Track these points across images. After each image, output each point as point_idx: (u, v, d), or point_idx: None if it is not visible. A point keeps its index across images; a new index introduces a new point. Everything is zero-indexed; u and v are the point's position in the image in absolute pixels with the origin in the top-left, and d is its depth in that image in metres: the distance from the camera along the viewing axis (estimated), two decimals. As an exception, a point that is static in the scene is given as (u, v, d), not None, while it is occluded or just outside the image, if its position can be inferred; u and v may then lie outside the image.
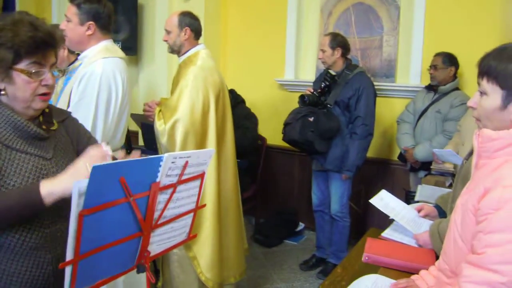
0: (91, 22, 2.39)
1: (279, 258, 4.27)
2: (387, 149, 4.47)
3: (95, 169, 1.12)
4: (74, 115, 2.15)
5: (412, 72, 4.21)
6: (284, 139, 3.75)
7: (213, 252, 2.85)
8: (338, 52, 3.73)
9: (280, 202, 4.96)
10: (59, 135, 1.56)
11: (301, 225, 4.80)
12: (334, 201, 3.87)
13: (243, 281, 3.61)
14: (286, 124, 3.73)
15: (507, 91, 1.28)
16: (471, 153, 1.81)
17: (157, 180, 1.33)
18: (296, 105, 3.79)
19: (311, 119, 3.62)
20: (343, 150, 3.69)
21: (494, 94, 1.30)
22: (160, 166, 1.32)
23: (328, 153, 3.70)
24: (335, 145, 3.70)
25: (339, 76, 3.71)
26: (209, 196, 2.84)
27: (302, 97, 3.66)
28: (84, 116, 2.26)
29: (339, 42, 3.73)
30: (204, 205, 1.69)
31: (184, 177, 1.42)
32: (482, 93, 1.34)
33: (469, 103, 1.39)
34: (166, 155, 1.31)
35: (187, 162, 1.40)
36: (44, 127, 1.49)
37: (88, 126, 2.26)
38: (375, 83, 3.89)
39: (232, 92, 4.36)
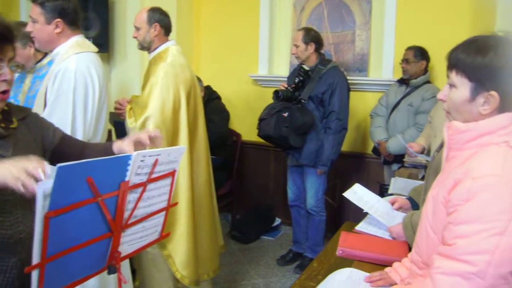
0: (58, 20, 2.31)
1: (256, 254, 4.26)
2: (361, 142, 4.48)
3: (61, 169, 1.08)
4: (51, 113, 2.18)
5: (385, 66, 4.25)
6: (259, 135, 3.74)
7: (188, 249, 2.83)
8: (311, 47, 3.73)
9: (256, 197, 4.94)
10: (20, 133, 1.52)
11: (278, 220, 4.79)
12: (310, 196, 3.87)
13: (219, 277, 3.59)
14: (261, 120, 3.71)
15: (475, 84, 1.28)
16: (442, 145, 1.80)
17: (126, 179, 1.30)
18: (271, 101, 3.78)
19: (286, 114, 3.60)
20: (318, 145, 3.69)
21: (463, 87, 1.31)
22: (129, 164, 1.29)
23: (303, 148, 3.70)
24: (310, 140, 3.68)
25: (313, 71, 3.71)
26: (183, 193, 2.81)
27: (276, 93, 3.65)
28: (62, 114, 2.22)
29: (312, 37, 3.73)
30: (176, 203, 1.67)
31: (154, 176, 1.40)
32: (451, 85, 1.35)
33: (439, 96, 1.40)
34: (134, 153, 1.28)
35: (157, 160, 1.38)
36: (2, 125, 1.45)
37: (67, 124, 2.22)
38: (348, 77, 3.90)
39: (207, 88, 4.36)
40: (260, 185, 4.93)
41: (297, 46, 3.74)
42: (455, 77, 1.31)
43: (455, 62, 1.31)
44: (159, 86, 2.72)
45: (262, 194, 4.92)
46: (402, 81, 3.90)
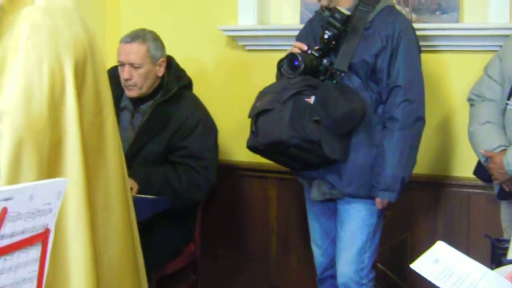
0: None
1: None
2: (446, 157, 4.22)
3: None
4: None
5: (493, 2, 3.97)
6: (251, 144, 3.52)
7: None
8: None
9: (247, 274, 4.65)
10: None
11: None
12: (347, 259, 3.58)
13: None
14: (258, 114, 3.49)
15: None
16: None
17: None
18: (268, 77, 3.69)
19: (311, 99, 3.40)
20: (373, 153, 3.52)
21: None
22: None
23: (346, 162, 3.51)
24: (358, 145, 3.53)
25: (352, 18, 3.60)
26: (76, 276, 2.53)
27: (290, 59, 3.49)
28: None
29: None
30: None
31: (0, 244, 1.33)
32: None
33: None
34: None
35: (4, 210, 1.28)
36: None
37: None
38: (416, 25, 3.80)
39: (171, 64, 4.07)
40: (251, 246, 4.70)
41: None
42: None
43: None
44: (21, 56, 2.48)
45: (255, 267, 4.65)
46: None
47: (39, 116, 2.49)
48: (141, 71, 3.68)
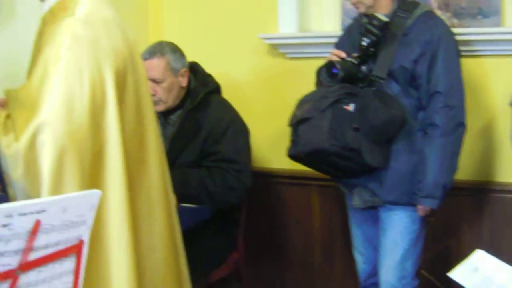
0: None
1: None
2: (487, 161, 4.16)
3: None
4: None
5: None
6: (292, 153, 3.53)
7: None
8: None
9: (290, 281, 4.64)
10: None
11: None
12: (389, 266, 3.56)
13: None
14: (298, 122, 3.50)
15: None
16: None
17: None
18: (308, 85, 3.71)
19: (350, 107, 3.41)
20: (414, 161, 3.49)
21: None
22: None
23: (387, 169, 3.50)
24: (399, 152, 3.51)
25: (390, 24, 3.55)
26: (118, 283, 2.56)
27: (329, 67, 3.49)
28: None
29: None
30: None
31: (34, 256, 1.35)
32: None
33: None
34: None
35: (38, 222, 1.32)
36: None
37: None
38: (457, 30, 3.75)
39: (196, 71, 4.10)
40: (294, 254, 4.66)
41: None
42: None
43: None
44: (62, 67, 2.52)
45: (299, 275, 4.61)
46: None
47: (80, 125, 2.52)
48: (164, 85, 3.68)
